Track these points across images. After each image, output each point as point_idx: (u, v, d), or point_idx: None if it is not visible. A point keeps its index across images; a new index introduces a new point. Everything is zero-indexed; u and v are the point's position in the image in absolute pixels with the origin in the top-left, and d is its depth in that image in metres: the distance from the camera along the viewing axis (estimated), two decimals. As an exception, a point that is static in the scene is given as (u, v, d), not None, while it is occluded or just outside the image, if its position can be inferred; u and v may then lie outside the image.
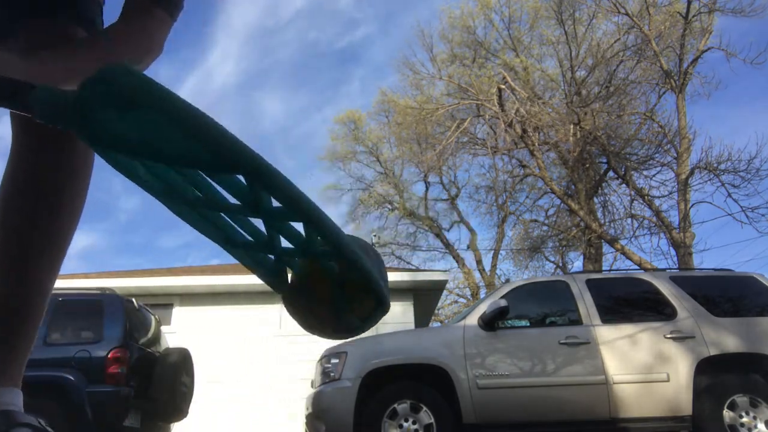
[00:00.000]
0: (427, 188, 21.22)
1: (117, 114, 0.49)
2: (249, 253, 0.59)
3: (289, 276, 0.60)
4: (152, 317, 6.22)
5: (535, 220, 17.56)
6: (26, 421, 0.83)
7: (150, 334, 5.97)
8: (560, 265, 17.55)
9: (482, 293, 19.12)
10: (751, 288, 5.48)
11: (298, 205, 0.50)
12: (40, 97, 0.51)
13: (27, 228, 0.91)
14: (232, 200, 0.53)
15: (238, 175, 0.50)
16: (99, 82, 0.48)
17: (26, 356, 0.90)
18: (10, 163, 0.93)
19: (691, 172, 12.86)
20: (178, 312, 10.31)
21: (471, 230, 21.02)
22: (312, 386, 5.26)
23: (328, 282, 0.54)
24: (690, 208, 12.85)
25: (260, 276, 0.60)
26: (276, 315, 10.42)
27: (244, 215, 0.55)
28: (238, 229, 0.57)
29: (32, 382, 4.50)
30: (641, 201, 14.28)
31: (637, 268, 12.17)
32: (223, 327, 10.16)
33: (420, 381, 4.87)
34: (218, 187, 0.54)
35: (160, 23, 0.95)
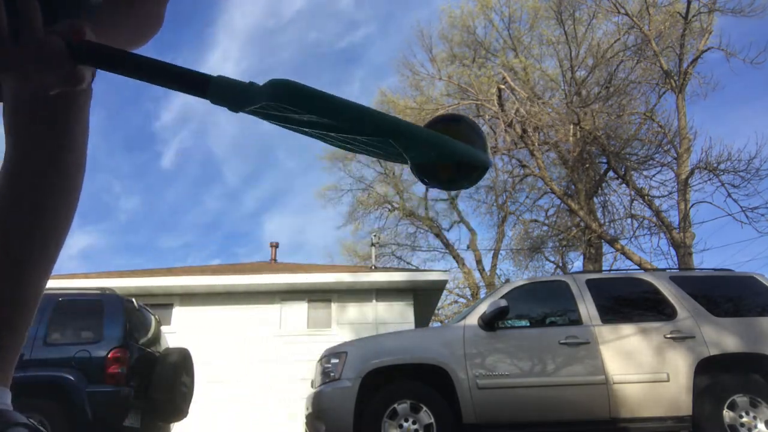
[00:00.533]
0: (427, 188, 21.23)
1: (286, 109, 0.66)
2: (388, 158, 0.78)
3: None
4: (152, 317, 6.22)
5: (535, 220, 17.57)
6: (22, 420, 0.83)
7: (150, 334, 5.97)
8: (560, 265, 17.56)
9: (482, 293, 19.12)
10: (751, 288, 5.48)
11: (427, 146, 0.71)
12: (216, 87, 0.66)
13: (23, 229, 0.91)
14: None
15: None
16: (275, 96, 0.64)
17: (17, 356, 0.90)
18: (3, 166, 0.94)
19: (691, 172, 12.86)
20: (178, 312, 10.31)
21: (471, 230, 21.05)
22: (312, 386, 5.26)
23: (449, 166, 0.75)
24: (690, 208, 12.86)
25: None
26: (276, 315, 10.43)
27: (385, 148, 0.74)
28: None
29: (32, 382, 4.50)
30: (641, 201, 14.29)
31: (637, 268, 12.17)
32: (223, 327, 10.17)
33: (420, 381, 4.86)
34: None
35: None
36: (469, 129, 0.76)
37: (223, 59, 36.81)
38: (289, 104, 0.65)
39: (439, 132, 0.73)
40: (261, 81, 0.72)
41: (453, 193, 21.16)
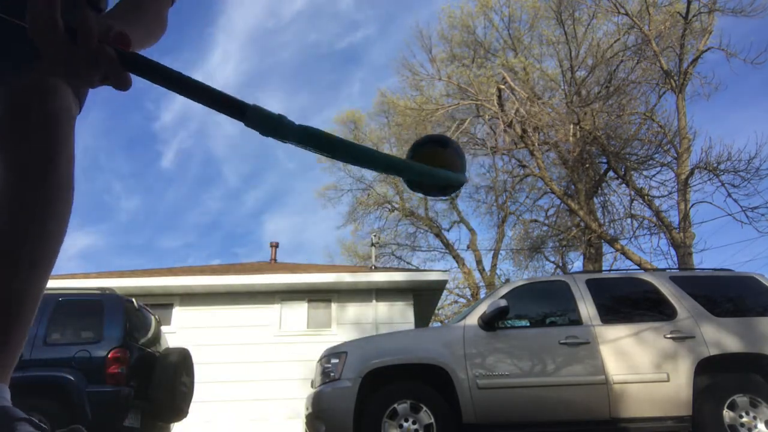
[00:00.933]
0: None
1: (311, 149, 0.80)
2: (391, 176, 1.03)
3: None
4: (152, 317, 6.22)
5: (535, 220, 17.58)
6: (23, 416, 0.87)
7: (150, 334, 5.97)
8: (560, 265, 17.56)
9: (482, 293, 19.12)
10: (751, 288, 5.48)
11: (419, 175, 0.87)
12: (252, 112, 0.76)
13: (21, 235, 0.95)
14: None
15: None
16: (304, 141, 0.77)
17: (18, 355, 0.94)
18: None
19: (691, 172, 12.86)
20: (178, 312, 10.30)
21: (471, 230, 21.04)
22: (312, 386, 5.26)
23: (436, 186, 0.91)
24: (690, 208, 12.86)
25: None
26: (275, 315, 10.43)
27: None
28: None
29: (32, 382, 4.49)
30: (641, 201, 14.28)
31: (637, 268, 12.17)
32: (223, 327, 10.16)
33: (420, 381, 4.86)
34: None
35: (167, 5, 1.08)
36: (452, 153, 0.91)
37: (223, 60, 36.83)
38: (316, 149, 0.78)
39: (428, 152, 0.90)
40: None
41: (453, 193, 21.21)
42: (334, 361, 4.96)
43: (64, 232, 1.02)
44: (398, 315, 10.38)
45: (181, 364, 5.63)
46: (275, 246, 15.17)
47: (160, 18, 1.06)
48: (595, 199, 15.38)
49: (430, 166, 0.88)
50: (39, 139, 0.98)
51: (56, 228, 1.00)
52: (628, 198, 14.64)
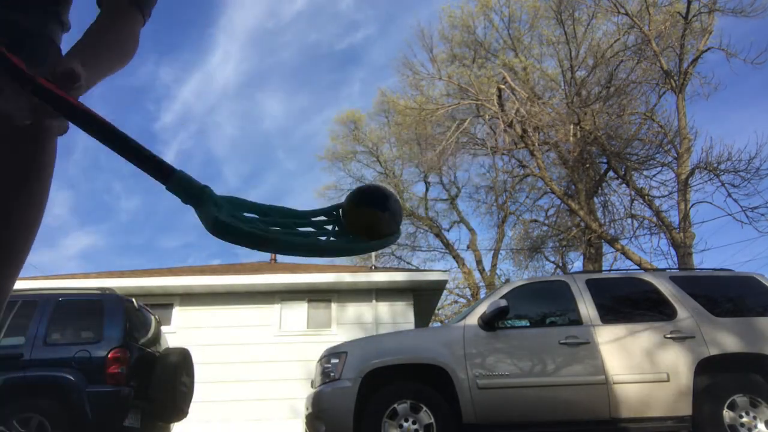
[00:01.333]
0: (427, 188, 21.25)
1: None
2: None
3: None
4: (152, 317, 6.22)
5: (535, 220, 17.57)
6: None
7: (150, 334, 5.97)
8: (560, 265, 17.56)
9: (482, 293, 19.11)
10: (752, 288, 5.48)
11: (350, 252, 0.94)
12: (177, 177, 0.76)
13: None
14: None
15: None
16: (214, 233, 0.74)
17: None
18: None
19: (691, 172, 12.85)
20: (178, 312, 10.30)
21: (471, 230, 21.05)
22: (312, 386, 5.26)
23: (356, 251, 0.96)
24: (690, 208, 12.85)
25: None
26: (276, 315, 10.42)
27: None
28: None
29: (32, 382, 4.48)
30: (641, 201, 14.28)
31: (637, 268, 12.17)
32: (223, 327, 10.16)
33: (420, 381, 4.86)
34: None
35: (139, 25, 1.10)
36: (389, 217, 0.89)
37: (223, 60, 36.82)
38: (226, 241, 0.75)
39: (366, 213, 0.88)
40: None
41: (453, 192, 21.23)
42: (334, 361, 4.96)
43: (33, 238, 1.05)
44: (398, 315, 10.37)
45: (181, 364, 5.63)
46: (275, 246, 15.14)
47: (132, 37, 1.08)
48: (595, 199, 15.37)
49: (367, 225, 0.86)
50: (29, 148, 0.99)
51: (29, 235, 1.03)
52: (629, 198, 14.65)
